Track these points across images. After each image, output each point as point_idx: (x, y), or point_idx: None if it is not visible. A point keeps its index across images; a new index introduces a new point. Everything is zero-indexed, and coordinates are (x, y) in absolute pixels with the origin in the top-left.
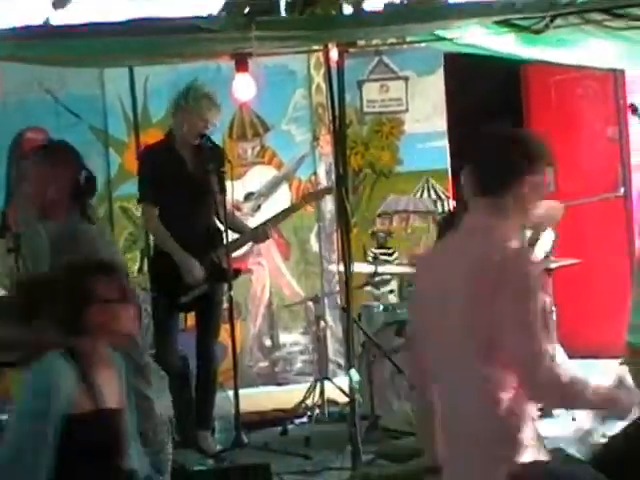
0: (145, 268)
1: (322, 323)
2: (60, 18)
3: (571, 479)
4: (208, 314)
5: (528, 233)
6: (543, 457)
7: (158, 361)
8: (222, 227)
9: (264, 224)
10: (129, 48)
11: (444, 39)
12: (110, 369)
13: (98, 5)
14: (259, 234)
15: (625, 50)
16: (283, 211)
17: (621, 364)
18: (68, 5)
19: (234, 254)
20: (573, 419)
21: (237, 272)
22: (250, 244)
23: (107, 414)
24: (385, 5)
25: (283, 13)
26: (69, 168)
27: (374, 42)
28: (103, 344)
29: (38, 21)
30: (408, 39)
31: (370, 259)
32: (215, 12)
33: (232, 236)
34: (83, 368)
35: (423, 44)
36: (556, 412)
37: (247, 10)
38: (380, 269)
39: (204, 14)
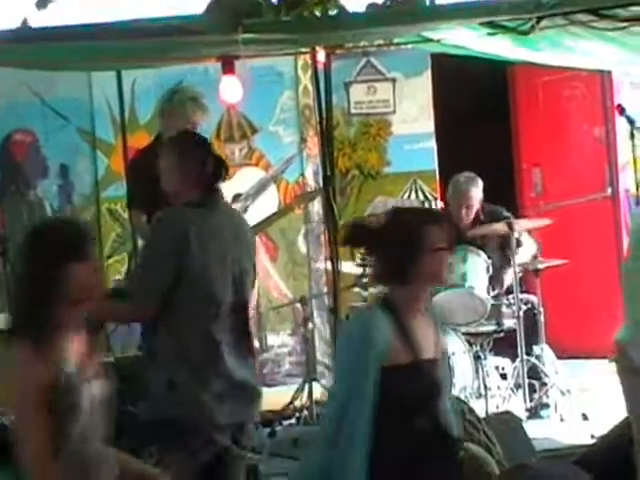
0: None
1: (310, 324)
2: (39, 19)
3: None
4: None
5: (517, 235)
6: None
7: (147, 362)
8: None
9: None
10: (115, 51)
11: (431, 40)
12: (427, 318)
13: (79, 5)
14: None
15: (612, 51)
16: (270, 216)
17: (610, 362)
18: (50, 5)
19: None
20: (562, 420)
21: None
22: None
23: (424, 365)
24: (367, 6)
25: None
26: (195, 158)
27: (361, 44)
28: (424, 292)
29: (16, 21)
30: (395, 41)
31: (358, 260)
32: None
33: None
34: (400, 319)
35: (410, 45)
36: (544, 412)
37: (232, 12)
38: (368, 270)
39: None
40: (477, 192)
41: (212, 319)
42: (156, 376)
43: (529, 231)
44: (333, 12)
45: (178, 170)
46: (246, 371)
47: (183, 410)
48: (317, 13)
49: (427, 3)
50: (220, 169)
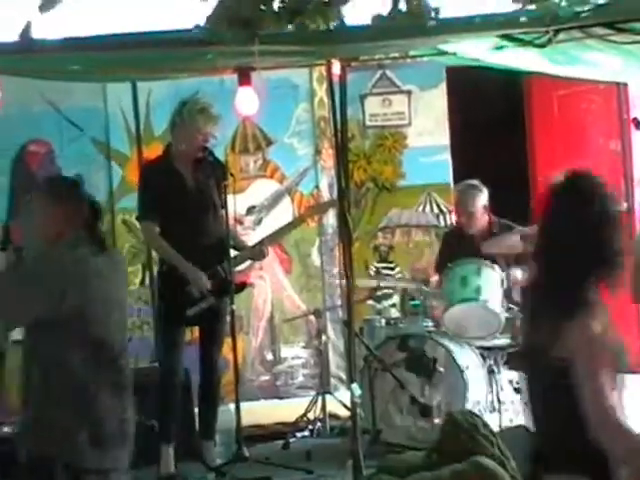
0: (147, 281)
1: (324, 337)
2: (42, 23)
3: None
4: (213, 327)
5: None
6: None
7: (163, 374)
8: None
9: (261, 243)
10: (131, 62)
11: (446, 53)
12: None
13: (82, 10)
14: (256, 253)
15: (628, 64)
16: (284, 226)
17: None
18: (55, 7)
19: (236, 268)
20: None
21: (243, 285)
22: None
23: None
24: (373, 18)
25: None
26: (70, 201)
27: (377, 56)
28: None
29: (19, 25)
30: (410, 53)
31: (372, 273)
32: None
33: (232, 252)
34: None
35: (425, 58)
36: None
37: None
38: (382, 283)
39: (189, 25)
40: (477, 199)
41: (89, 361)
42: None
43: None
44: (335, 22)
45: (54, 215)
46: (124, 416)
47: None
48: (319, 23)
49: (432, 15)
50: (96, 209)
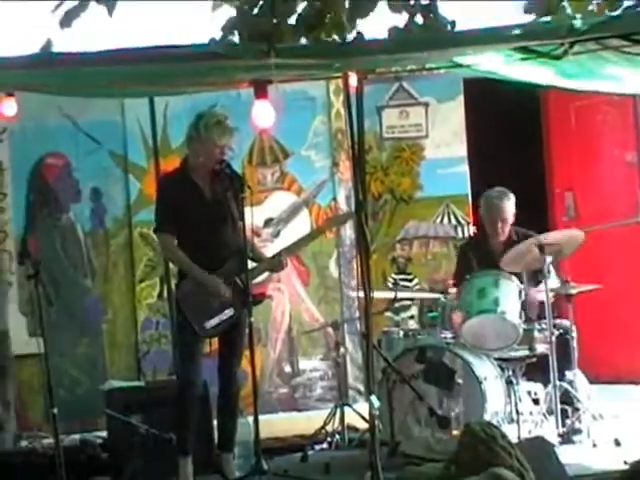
0: (165, 294)
1: (342, 349)
2: (63, 39)
3: None
4: (233, 338)
5: (549, 259)
6: None
7: (182, 386)
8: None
9: (279, 254)
10: (148, 76)
11: (463, 66)
12: None
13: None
14: (274, 264)
15: None
16: (302, 238)
17: None
18: (74, 22)
19: (254, 280)
20: (594, 445)
21: (262, 297)
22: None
23: None
24: (389, 30)
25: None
26: None
27: (393, 69)
28: None
29: (40, 41)
30: (427, 66)
31: (390, 285)
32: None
33: (250, 264)
34: None
35: (442, 70)
36: (577, 438)
37: (249, 34)
38: (400, 295)
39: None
40: (510, 206)
41: None
42: None
43: (557, 264)
44: (351, 35)
45: None
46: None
47: None
48: (335, 36)
49: (449, 28)
50: None
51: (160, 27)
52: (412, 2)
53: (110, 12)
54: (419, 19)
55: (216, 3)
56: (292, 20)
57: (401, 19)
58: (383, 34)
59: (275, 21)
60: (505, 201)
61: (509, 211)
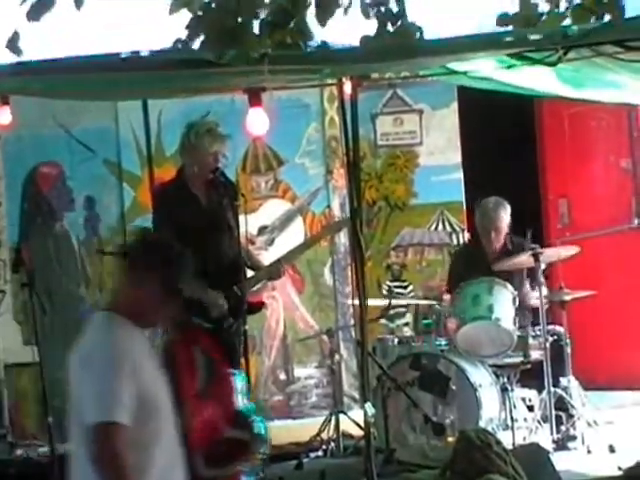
0: None
1: (337, 356)
2: (30, 31)
3: None
4: (230, 347)
5: (543, 266)
6: None
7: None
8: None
9: (278, 262)
10: (142, 83)
11: (457, 72)
12: None
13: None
14: (273, 272)
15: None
16: (298, 246)
17: None
18: (43, 17)
19: (253, 288)
20: (589, 451)
21: (260, 305)
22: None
23: None
24: (361, 38)
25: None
26: None
27: (388, 75)
28: None
29: (6, 33)
30: (421, 73)
31: (385, 292)
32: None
33: (248, 272)
34: None
35: (435, 77)
36: (571, 444)
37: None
38: (395, 302)
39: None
40: (506, 216)
41: None
42: None
43: (549, 267)
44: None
45: None
46: None
47: None
48: (299, 40)
49: (417, 35)
50: None
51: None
52: (382, 9)
53: (78, 6)
54: (389, 27)
55: (173, 5)
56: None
57: (371, 27)
58: (353, 42)
59: (240, 20)
60: (500, 211)
61: (504, 221)
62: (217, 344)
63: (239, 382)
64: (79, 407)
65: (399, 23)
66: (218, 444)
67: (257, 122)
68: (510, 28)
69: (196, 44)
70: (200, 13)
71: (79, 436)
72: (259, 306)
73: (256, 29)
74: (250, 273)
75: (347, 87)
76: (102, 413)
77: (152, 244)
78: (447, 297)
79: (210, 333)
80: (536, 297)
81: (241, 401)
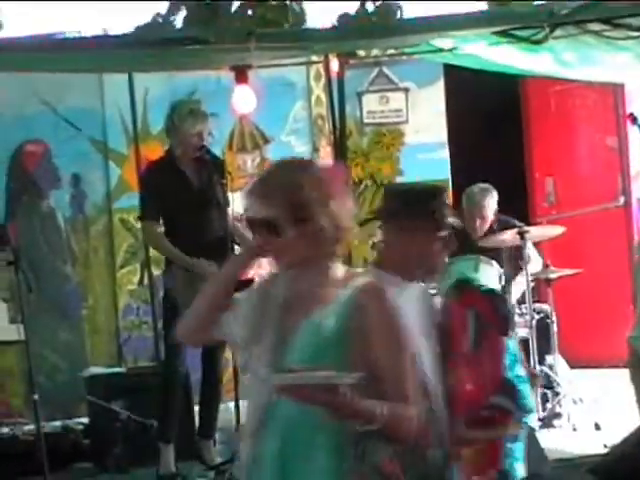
0: (145, 280)
1: None
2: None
3: None
4: None
5: (529, 244)
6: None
7: (167, 371)
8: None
9: None
10: (127, 60)
11: (443, 50)
12: None
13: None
14: None
15: (624, 61)
16: None
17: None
18: None
19: None
20: (574, 429)
21: (250, 282)
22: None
23: None
24: (339, 16)
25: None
26: None
27: (374, 53)
28: None
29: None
30: (407, 50)
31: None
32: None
33: (236, 249)
34: None
35: (421, 55)
36: (557, 422)
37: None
38: None
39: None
40: (492, 203)
41: None
42: None
43: (535, 245)
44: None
45: None
46: None
47: None
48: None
49: (398, 16)
50: None
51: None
52: None
53: None
54: (370, 6)
55: None
56: None
57: (352, 5)
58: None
59: None
60: (487, 198)
61: (489, 208)
62: (494, 309)
63: (512, 349)
64: None
65: (379, 2)
66: (481, 408)
67: (243, 100)
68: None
69: (177, 19)
70: None
71: None
72: (247, 283)
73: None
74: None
75: (333, 65)
76: None
77: (411, 194)
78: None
79: None
80: (521, 277)
81: (513, 369)
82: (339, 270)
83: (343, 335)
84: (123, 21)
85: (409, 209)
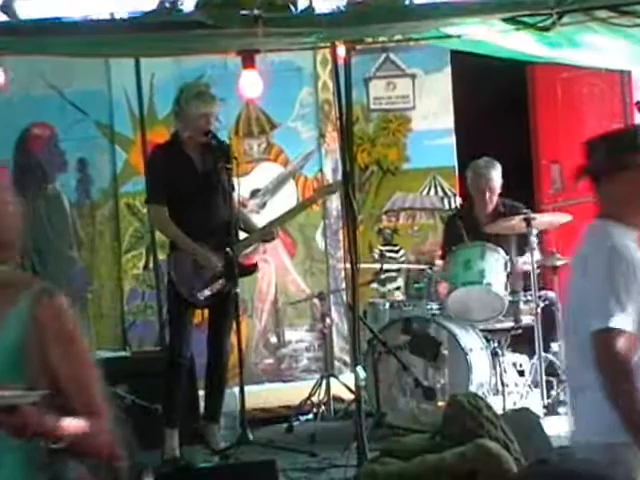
0: (151, 265)
1: (328, 320)
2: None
3: (572, 475)
4: (222, 310)
5: (535, 231)
6: None
7: (171, 357)
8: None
9: (270, 224)
10: (134, 43)
11: (450, 36)
12: None
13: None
14: (265, 234)
15: (631, 49)
16: (292, 209)
17: None
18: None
19: (246, 250)
20: None
21: (254, 267)
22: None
23: None
24: (347, 2)
25: None
26: None
27: (381, 39)
28: None
29: None
30: (414, 37)
31: (376, 256)
32: None
33: (241, 234)
34: None
35: (428, 41)
36: (562, 409)
37: None
38: (386, 266)
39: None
40: (497, 175)
41: None
42: None
43: (541, 232)
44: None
45: None
46: None
47: None
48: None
49: (407, 2)
50: None
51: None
52: None
53: None
54: None
55: None
56: None
57: None
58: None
59: None
60: (492, 170)
61: (496, 180)
62: None
63: None
64: (577, 316)
65: None
66: None
67: (250, 84)
68: None
69: (184, 3)
70: None
71: (576, 345)
72: (251, 268)
73: None
74: (243, 235)
75: (340, 51)
76: (603, 320)
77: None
78: (439, 262)
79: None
80: (527, 262)
81: None
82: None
83: (20, 349)
84: (131, 6)
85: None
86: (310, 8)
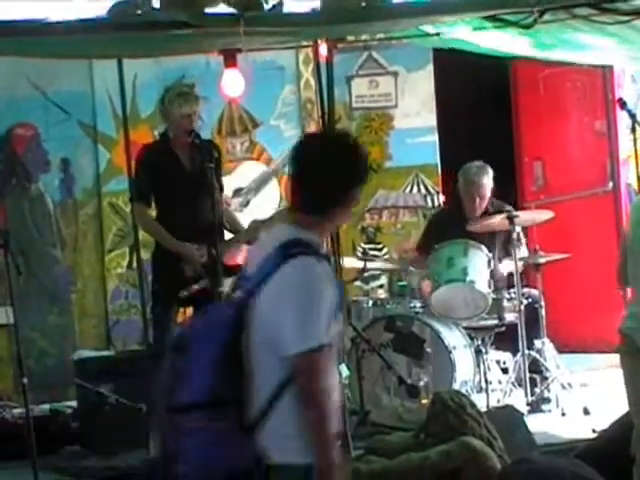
0: (134, 264)
1: None
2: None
3: (555, 473)
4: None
5: (518, 229)
6: None
7: (156, 356)
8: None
9: (256, 225)
10: (116, 44)
11: (431, 35)
12: None
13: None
14: (251, 234)
15: (611, 45)
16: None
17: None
18: None
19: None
20: (563, 414)
21: (238, 267)
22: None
23: None
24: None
25: None
26: None
27: (363, 37)
28: None
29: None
30: (396, 35)
31: (359, 254)
32: None
33: (227, 235)
34: None
35: (410, 40)
36: (545, 407)
37: None
38: (369, 264)
39: None
40: (489, 181)
41: None
42: None
43: (524, 230)
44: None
45: None
46: None
47: None
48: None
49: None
50: None
51: None
52: None
53: None
54: None
55: None
56: None
57: None
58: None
59: None
60: (483, 177)
61: (487, 187)
62: None
63: None
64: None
65: None
66: None
67: (232, 83)
68: None
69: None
70: None
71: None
72: (235, 269)
73: None
74: (229, 236)
75: (322, 49)
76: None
77: None
78: (415, 254)
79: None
80: (510, 265)
81: None
82: None
83: None
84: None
85: None
86: (280, 4)
